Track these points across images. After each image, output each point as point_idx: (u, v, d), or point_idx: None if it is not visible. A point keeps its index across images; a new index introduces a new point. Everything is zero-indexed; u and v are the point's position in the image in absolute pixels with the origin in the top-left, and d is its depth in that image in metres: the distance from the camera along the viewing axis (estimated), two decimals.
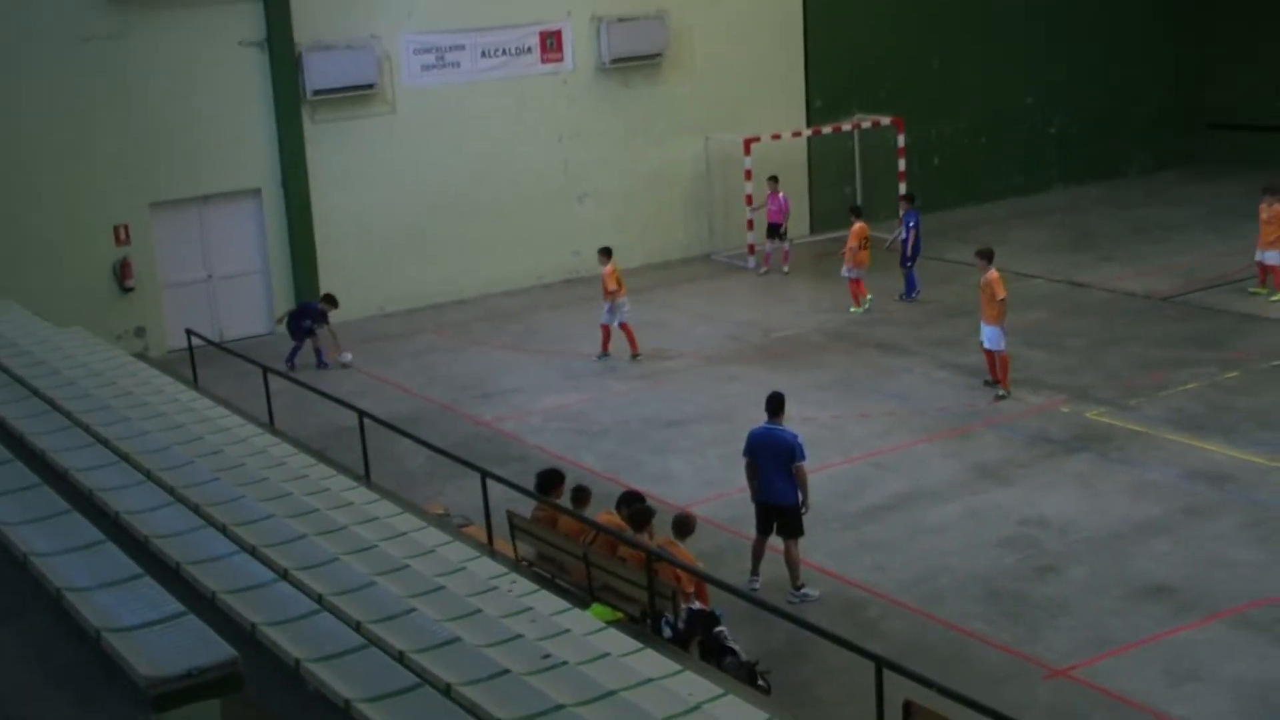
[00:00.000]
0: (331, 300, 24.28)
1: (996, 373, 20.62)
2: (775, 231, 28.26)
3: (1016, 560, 15.36)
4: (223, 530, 9.86)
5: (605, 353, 23.52)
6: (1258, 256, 24.73)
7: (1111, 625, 13.91)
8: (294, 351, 23.80)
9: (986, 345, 20.58)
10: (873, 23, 31.79)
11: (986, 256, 20.91)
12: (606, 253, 23.67)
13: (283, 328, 24.29)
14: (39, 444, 10.84)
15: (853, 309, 25.36)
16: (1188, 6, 36.43)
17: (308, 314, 23.99)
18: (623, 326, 23.40)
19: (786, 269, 28.27)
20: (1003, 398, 20.36)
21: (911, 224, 25.88)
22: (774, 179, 28.38)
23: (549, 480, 14.38)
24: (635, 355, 23.30)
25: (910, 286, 26.00)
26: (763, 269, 28.60)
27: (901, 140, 30.54)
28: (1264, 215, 24.38)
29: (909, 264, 25.92)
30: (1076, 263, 27.71)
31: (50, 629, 7.15)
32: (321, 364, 23.76)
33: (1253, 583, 14.58)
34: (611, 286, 23.19)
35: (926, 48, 32.75)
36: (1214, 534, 15.77)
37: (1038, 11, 34.03)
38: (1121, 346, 22.60)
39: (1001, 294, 20.19)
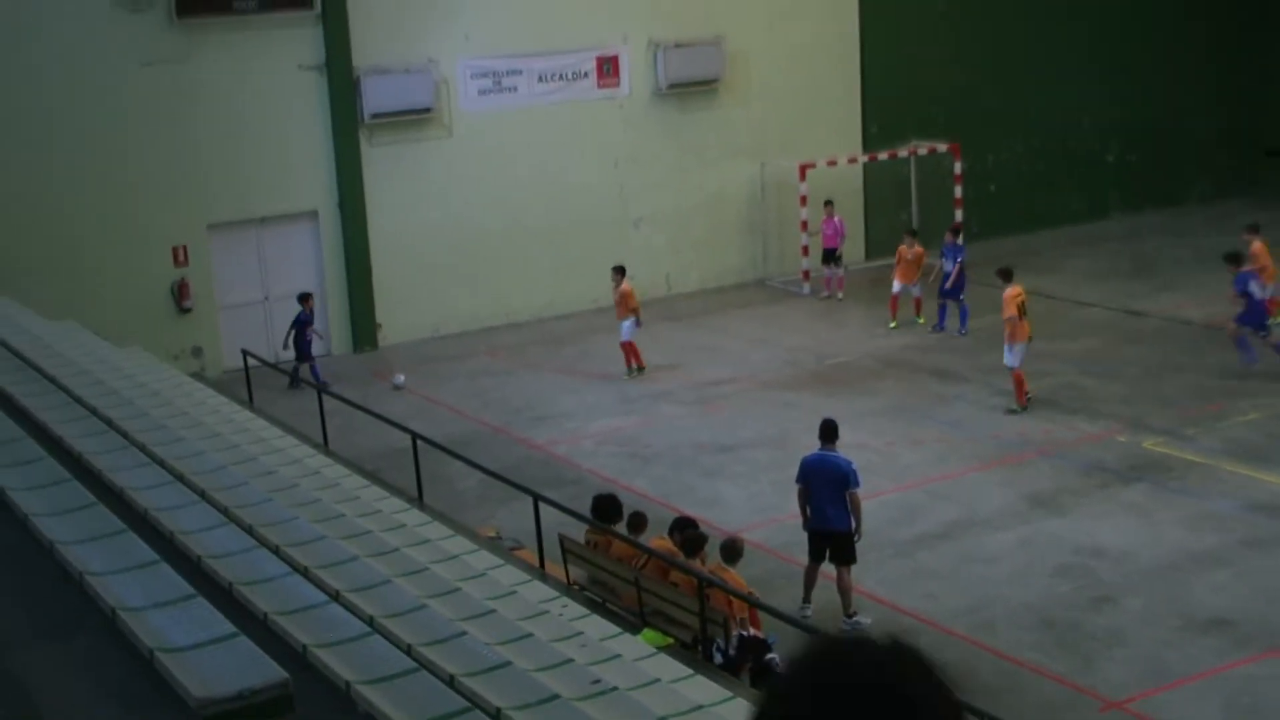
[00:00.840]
0: (309, 297, 24.40)
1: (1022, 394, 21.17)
2: (831, 256, 28.17)
3: (1071, 590, 15.21)
4: (275, 551, 9.89)
5: (641, 366, 24.00)
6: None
7: (1169, 658, 13.75)
8: (313, 369, 23.91)
9: (1007, 362, 21.17)
10: (929, 49, 31.69)
11: (1004, 275, 21.59)
12: (622, 271, 24.15)
13: (289, 351, 24.26)
14: (96, 463, 10.93)
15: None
16: (1245, 32, 36.09)
17: (304, 325, 24.11)
18: (629, 344, 24.10)
19: (841, 295, 28.17)
20: (1014, 412, 20.82)
21: (959, 259, 25.68)
22: (829, 203, 28.29)
23: (608, 509, 14.31)
24: (642, 370, 24.00)
25: (942, 317, 25.93)
26: (823, 293, 28.49)
27: (958, 167, 30.43)
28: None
29: (951, 296, 25.73)
30: (1134, 291, 27.47)
31: (104, 648, 7.19)
32: (295, 384, 23.25)
33: None
34: (634, 304, 23.79)
35: (983, 74, 32.61)
36: (1274, 567, 15.57)
37: (1095, 38, 33.82)
38: (1179, 375, 22.38)
39: (1008, 312, 20.75)
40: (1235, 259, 22.45)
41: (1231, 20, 35.84)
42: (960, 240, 26.23)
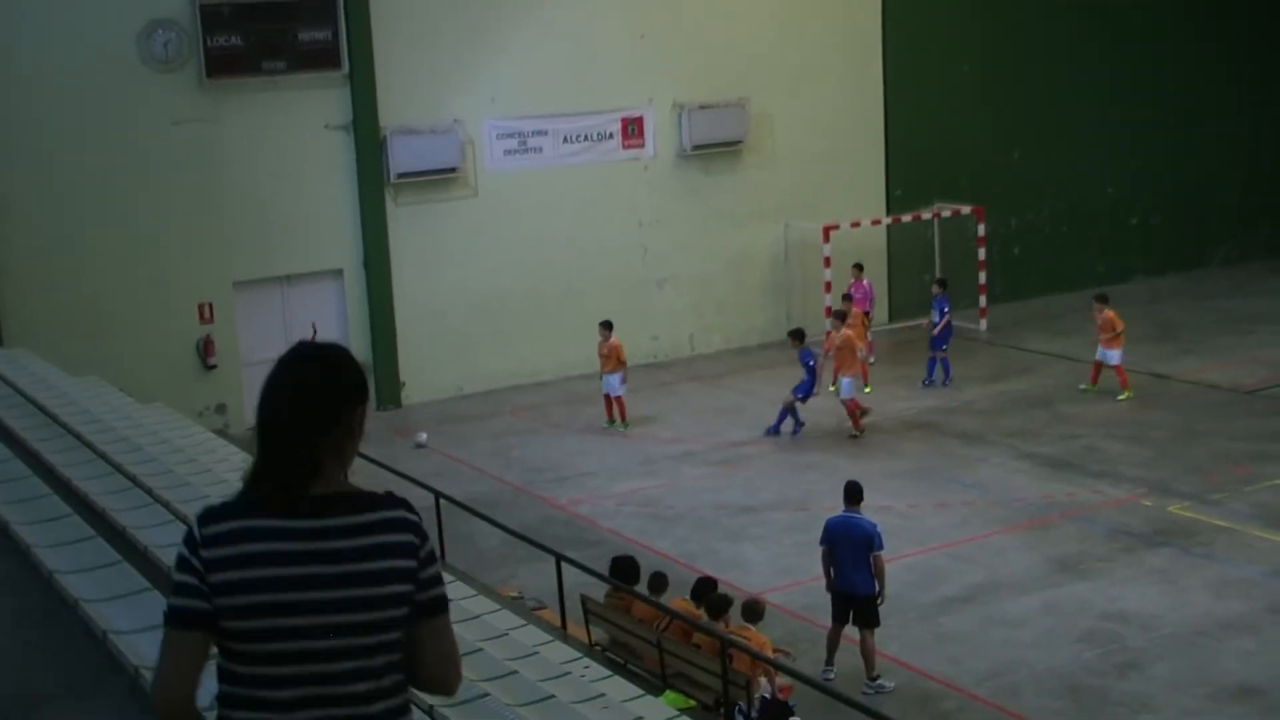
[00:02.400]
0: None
1: (858, 420, 23.17)
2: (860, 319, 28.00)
3: (1096, 655, 15.10)
4: None
5: (625, 421, 24.56)
6: (1097, 356, 24.98)
7: None
8: None
9: (843, 395, 23.12)
10: (953, 112, 31.82)
11: (841, 317, 24.01)
12: (610, 326, 24.56)
13: None
14: (120, 520, 10.94)
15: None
16: (1270, 95, 36.21)
17: None
18: (618, 399, 24.52)
19: (872, 359, 27.31)
20: (855, 437, 22.91)
21: (945, 309, 26.22)
22: (859, 266, 28.24)
23: (626, 571, 14.29)
24: (626, 425, 24.52)
25: (930, 370, 26.29)
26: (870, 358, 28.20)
27: (982, 229, 30.48)
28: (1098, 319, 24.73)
29: (935, 348, 26.19)
30: (1157, 354, 27.39)
31: (128, 708, 7.17)
32: None
33: None
34: (623, 357, 24.26)
35: (1007, 137, 32.73)
36: None
37: (1119, 101, 33.91)
38: (1204, 439, 22.29)
39: (846, 348, 23.06)
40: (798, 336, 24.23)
41: (1256, 83, 35.97)
42: (946, 292, 26.65)
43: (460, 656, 4.24)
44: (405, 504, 4.06)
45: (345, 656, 3.90)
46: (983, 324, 30.31)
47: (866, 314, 27.49)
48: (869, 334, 28.01)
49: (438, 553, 4.37)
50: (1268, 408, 23.90)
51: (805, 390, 23.56)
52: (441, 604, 4.11)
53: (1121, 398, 24.36)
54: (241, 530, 3.90)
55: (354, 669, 3.92)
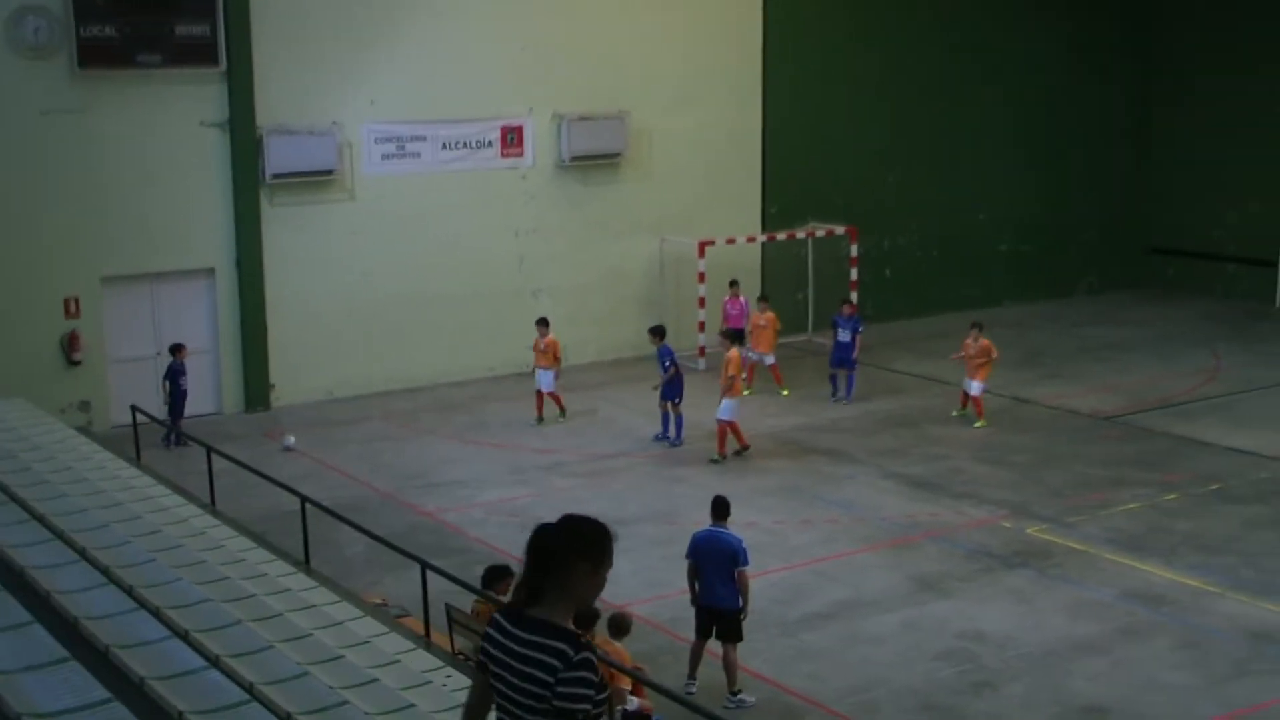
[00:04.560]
0: (180, 348, 24.20)
1: (724, 444, 23.12)
2: (738, 338, 28.10)
3: (953, 674, 15.31)
4: (156, 613, 9.73)
5: (563, 411, 25.28)
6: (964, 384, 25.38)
7: None
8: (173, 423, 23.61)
9: (722, 417, 22.94)
10: (830, 133, 32.21)
11: (731, 337, 24.01)
12: (546, 322, 25.25)
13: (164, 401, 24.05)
14: None
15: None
16: (1133, 135, 37.14)
17: (178, 376, 23.91)
18: (552, 394, 25.25)
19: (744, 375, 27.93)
20: (716, 461, 22.91)
21: (859, 329, 26.62)
22: (735, 283, 28.49)
23: (495, 575, 14.23)
24: (560, 414, 25.25)
25: (836, 387, 26.81)
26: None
27: (854, 250, 30.86)
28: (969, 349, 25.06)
29: (846, 365, 26.58)
30: (1022, 379, 27.93)
31: None
32: (169, 442, 23.32)
33: (1185, 708, 14.58)
34: (560, 354, 25.17)
35: (883, 160, 33.18)
36: (1149, 656, 15.77)
37: (992, 131, 34.58)
38: (1064, 464, 22.75)
39: (730, 372, 22.80)
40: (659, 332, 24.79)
41: (1124, 121, 36.89)
42: (855, 313, 26.99)
43: None
44: (576, 643, 5.83)
45: (525, 712, 5.82)
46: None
47: (740, 331, 27.67)
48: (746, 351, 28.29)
49: (592, 682, 5.76)
50: (1123, 434, 24.45)
51: (678, 392, 23.89)
52: (568, 715, 5.71)
53: (977, 425, 24.70)
54: (494, 621, 6.03)
55: None
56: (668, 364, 24.07)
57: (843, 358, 26.66)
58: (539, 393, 25.26)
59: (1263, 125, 34.58)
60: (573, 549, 6.01)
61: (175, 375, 23.93)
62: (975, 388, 24.90)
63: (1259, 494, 21.21)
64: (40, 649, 7.88)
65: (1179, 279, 36.86)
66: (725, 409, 23.01)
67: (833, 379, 26.91)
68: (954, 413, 25.41)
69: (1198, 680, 15.19)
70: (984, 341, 24.86)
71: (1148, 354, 30.43)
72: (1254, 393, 26.63)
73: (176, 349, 24.09)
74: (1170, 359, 29.79)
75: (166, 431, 23.25)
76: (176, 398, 23.86)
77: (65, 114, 24.07)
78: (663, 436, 24.15)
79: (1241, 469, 22.41)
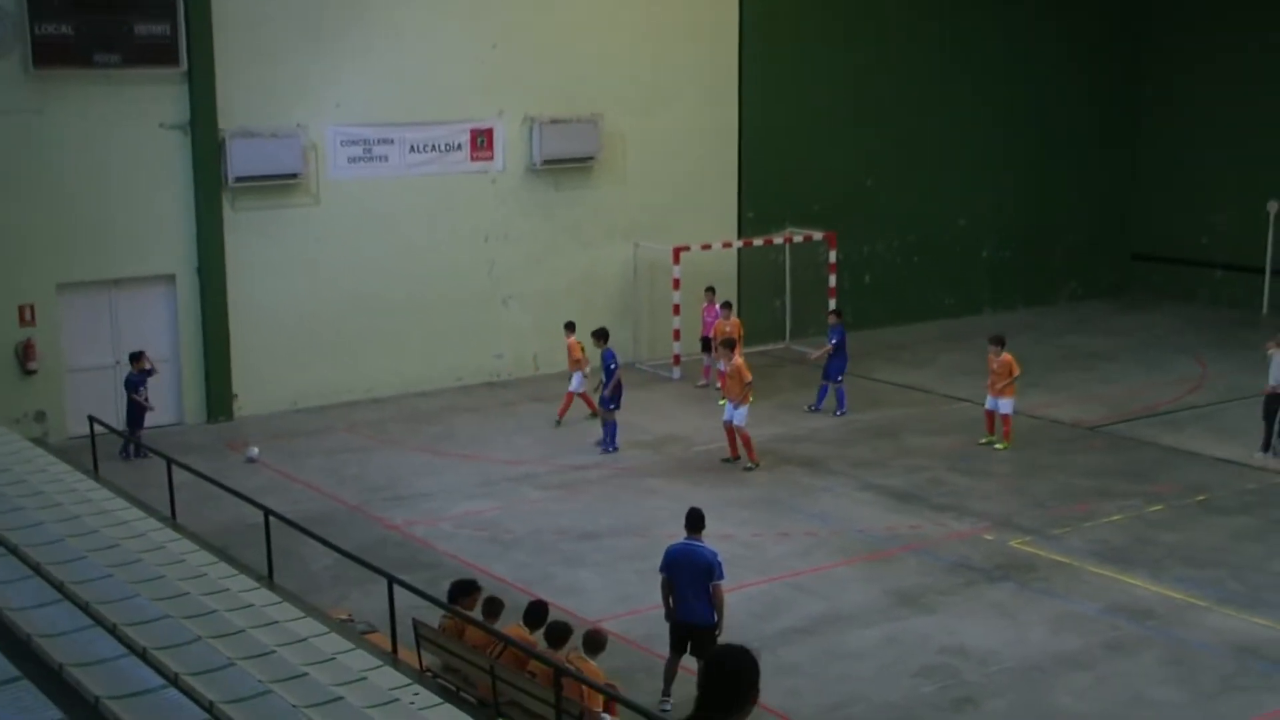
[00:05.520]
0: (140, 357, 23.81)
1: (737, 449, 22.99)
2: (711, 344, 27.81)
3: (934, 690, 15.03)
4: (112, 631, 9.58)
5: (594, 412, 25.03)
6: (988, 405, 24.32)
7: None
8: (133, 436, 23.19)
9: (736, 422, 22.74)
10: (808, 138, 32.02)
11: (729, 345, 23.80)
12: (572, 327, 25.69)
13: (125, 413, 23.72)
14: None
15: None
16: (1118, 140, 37.13)
17: (137, 386, 23.54)
18: (584, 395, 25.35)
19: (718, 385, 27.39)
20: (750, 469, 22.66)
21: (834, 340, 25.99)
22: (711, 290, 28.24)
23: (461, 589, 13.93)
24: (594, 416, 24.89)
25: (821, 397, 26.25)
26: (700, 381, 28.15)
27: (833, 256, 30.63)
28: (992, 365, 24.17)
29: (838, 379, 26.02)
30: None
31: None
32: (126, 454, 23.04)
33: None
34: (578, 355, 25.10)
35: (861, 165, 33.02)
36: (1134, 671, 15.53)
37: (973, 136, 34.50)
38: (1047, 475, 22.51)
39: (748, 378, 22.70)
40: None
41: (1106, 129, 36.91)
42: (840, 322, 26.53)
43: None
44: None
45: None
46: None
47: (710, 339, 27.41)
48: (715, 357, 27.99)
49: None
50: (1107, 445, 24.24)
51: (616, 399, 23.80)
52: None
53: (1000, 446, 23.81)
54: None
55: None
56: (614, 367, 23.85)
57: (825, 369, 26.27)
58: (569, 395, 25.52)
59: (1248, 131, 34.69)
60: (752, 690, 5.87)
61: (133, 385, 23.45)
62: (1005, 406, 23.82)
63: (1245, 505, 21.01)
64: None
65: (1163, 286, 36.94)
66: (740, 415, 22.76)
67: (820, 390, 26.40)
68: (981, 440, 24.20)
69: (1184, 696, 14.95)
70: (1005, 356, 23.88)
71: (1131, 362, 30.33)
72: (1239, 401, 26.41)
73: (134, 358, 23.62)
74: (1154, 367, 29.71)
75: (124, 443, 22.79)
76: (133, 408, 23.38)
77: (19, 114, 23.60)
78: (607, 445, 23.79)
79: (1227, 479, 22.22)
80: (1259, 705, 14.75)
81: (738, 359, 23.14)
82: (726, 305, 27.63)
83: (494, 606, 13.82)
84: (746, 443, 22.83)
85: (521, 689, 12.36)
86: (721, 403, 24.19)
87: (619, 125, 29.39)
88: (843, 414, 25.83)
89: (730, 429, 22.94)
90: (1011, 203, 35.41)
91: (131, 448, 22.86)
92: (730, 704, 5.73)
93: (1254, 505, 21.00)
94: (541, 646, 13.07)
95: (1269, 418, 23.12)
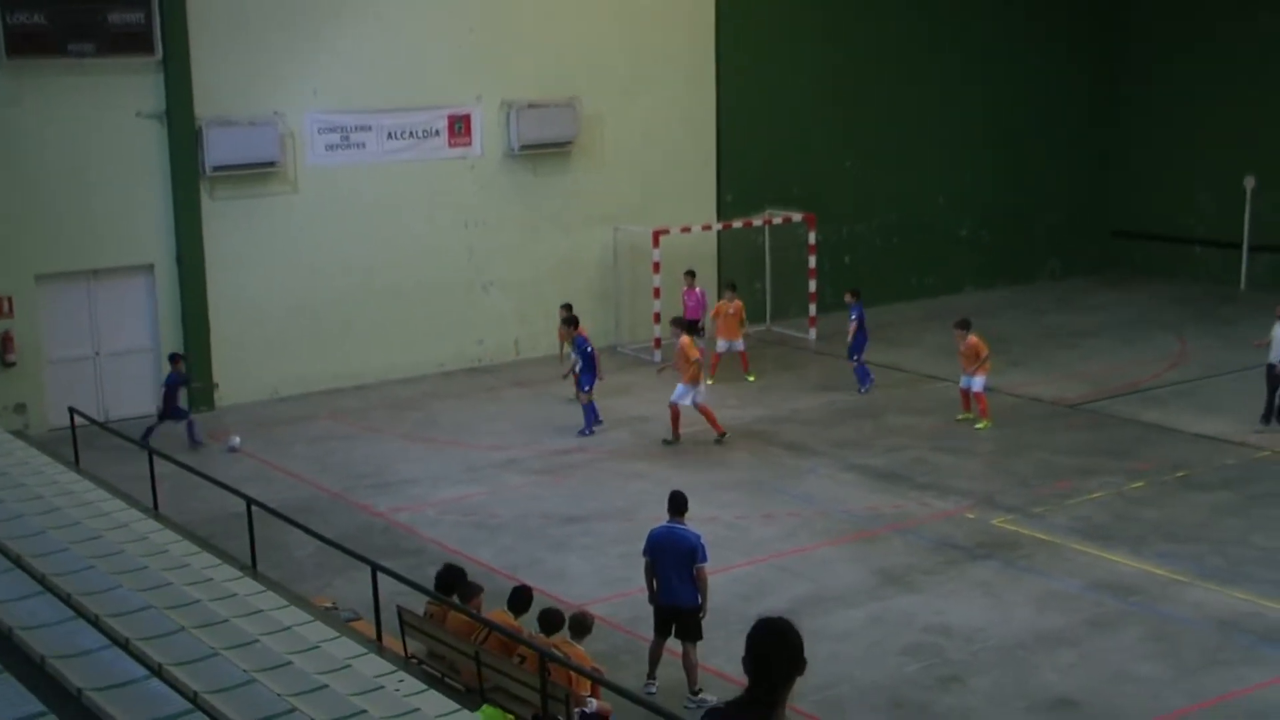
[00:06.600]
0: (178, 359, 23.91)
1: (679, 430, 23.18)
2: (693, 328, 27.74)
3: (920, 669, 15.05)
4: (94, 622, 9.57)
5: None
6: (961, 383, 24.43)
7: None
8: (190, 426, 23.39)
9: (674, 399, 23.07)
10: (787, 120, 31.97)
11: (683, 326, 23.85)
12: (569, 308, 25.69)
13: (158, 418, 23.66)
14: None
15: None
16: (1098, 116, 37.16)
17: (176, 389, 23.57)
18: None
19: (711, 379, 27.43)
20: (720, 441, 23.02)
21: (854, 316, 25.97)
22: (691, 273, 28.21)
23: (450, 580, 13.85)
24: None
25: (862, 379, 26.19)
26: (661, 367, 28.18)
27: (813, 237, 30.62)
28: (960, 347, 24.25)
29: (855, 358, 26.07)
30: None
31: None
32: (195, 442, 23.29)
33: (1155, 699, 14.37)
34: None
35: (840, 147, 32.99)
36: (1118, 647, 15.56)
37: (952, 114, 34.47)
38: (1029, 453, 22.55)
39: (693, 355, 22.82)
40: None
41: (1086, 106, 36.96)
42: (857, 299, 26.34)
43: None
44: None
45: None
46: (812, 333, 30.57)
47: (696, 323, 27.30)
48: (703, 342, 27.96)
49: None
50: (1088, 422, 24.28)
51: (590, 381, 23.75)
52: None
53: (979, 426, 23.83)
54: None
55: None
56: (590, 350, 23.85)
57: (848, 348, 26.26)
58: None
59: (1226, 108, 34.73)
60: (795, 665, 5.99)
61: (172, 385, 23.53)
62: (977, 384, 23.89)
63: (1225, 481, 21.06)
64: None
65: (1144, 263, 37.01)
66: (680, 393, 23.01)
67: (856, 370, 26.38)
68: (958, 417, 24.34)
69: (1168, 670, 14.99)
70: (971, 339, 23.96)
71: (1112, 340, 30.37)
72: (1220, 378, 26.50)
73: (174, 359, 23.85)
74: (1135, 344, 29.75)
75: (149, 429, 22.91)
76: (169, 402, 23.51)
77: None
78: (587, 428, 23.81)
79: (1208, 455, 22.26)
80: (1242, 679, 14.78)
81: (684, 338, 23.16)
82: (731, 286, 27.50)
83: (471, 590, 13.79)
84: (708, 416, 23.02)
85: (507, 674, 12.36)
86: (709, 382, 24.28)
87: (597, 109, 29.33)
88: (865, 390, 25.94)
89: (675, 408, 23.11)
90: (991, 181, 35.41)
91: (157, 430, 22.99)
92: (789, 674, 5.95)
93: (1234, 481, 21.05)
94: (533, 632, 13.05)
95: (1270, 389, 23.22)
